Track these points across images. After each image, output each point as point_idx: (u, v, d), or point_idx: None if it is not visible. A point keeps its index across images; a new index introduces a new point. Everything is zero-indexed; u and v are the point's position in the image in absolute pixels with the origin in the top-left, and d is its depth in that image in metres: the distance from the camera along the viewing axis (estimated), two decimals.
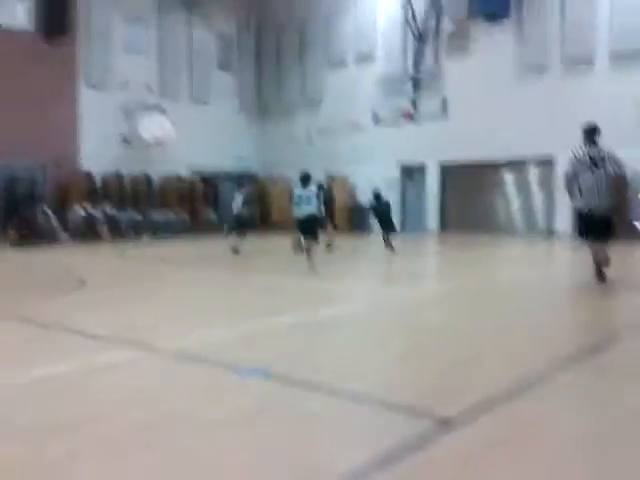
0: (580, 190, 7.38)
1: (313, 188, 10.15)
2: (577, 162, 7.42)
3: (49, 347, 4.80)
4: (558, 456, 2.60)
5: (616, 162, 7.25)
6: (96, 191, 18.81)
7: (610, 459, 2.60)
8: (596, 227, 7.27)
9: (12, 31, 17.50)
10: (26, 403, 3.38)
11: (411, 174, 18.44)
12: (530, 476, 2.44)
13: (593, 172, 7.25)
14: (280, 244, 16.90)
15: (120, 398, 3.45)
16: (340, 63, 21.70)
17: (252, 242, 14.47)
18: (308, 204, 9.62)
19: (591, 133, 7.44)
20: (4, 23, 17.39)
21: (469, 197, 19.15)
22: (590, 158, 7.30)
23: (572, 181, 7.48)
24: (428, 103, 14.88)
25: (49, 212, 16.80)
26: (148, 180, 20.27)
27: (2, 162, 17.03)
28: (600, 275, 7.45)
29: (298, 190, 9.86)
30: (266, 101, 23.81)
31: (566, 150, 17.39)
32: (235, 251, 12.47)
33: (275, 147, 23.35)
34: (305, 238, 9.86)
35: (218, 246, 15.10)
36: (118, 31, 19.92)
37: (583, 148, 7.47)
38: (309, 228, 9.63)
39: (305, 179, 9.84)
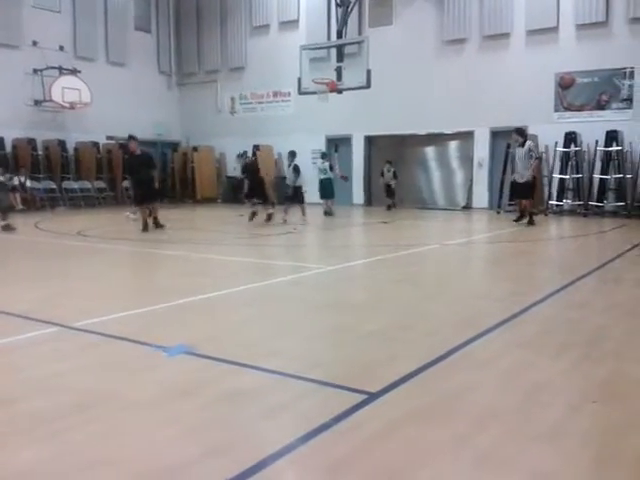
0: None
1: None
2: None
3: None
4: (472, 424, 2.76)
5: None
6: (6, 158, 17.76)
7: (516, 428, 2.79)
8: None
9: None
10: None
11: (337, 146, 18.47)
12: (441, 439, 2.58)
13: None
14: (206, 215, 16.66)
15: (41, 378, 3.35)
16: (264, 29, 21.30)
17: (174, 213, 14.12)
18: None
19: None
20: None
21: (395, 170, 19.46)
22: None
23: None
24: (352, 74, 14.85)
25: None
26: (63, 147, 19.29)
27: None
28: (530, 220, 12.28)
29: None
30: (187, 66, 23.10)
31: (484, 125, 18.06)
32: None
33: (197, 115, 22.77)
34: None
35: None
36: None
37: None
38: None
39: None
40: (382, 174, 17.51)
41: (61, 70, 18.65)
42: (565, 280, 6.29)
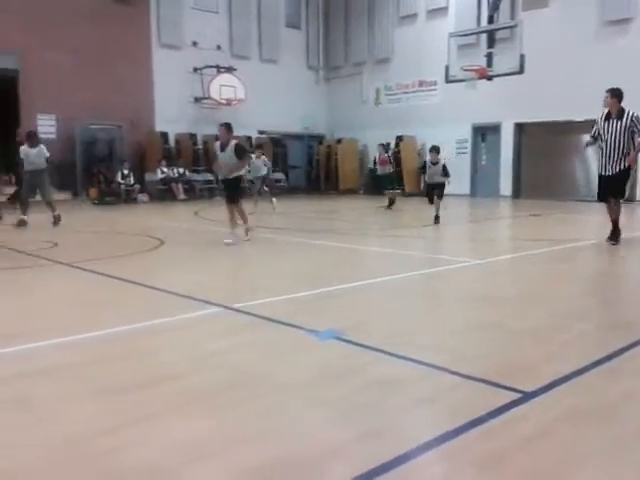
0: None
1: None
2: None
3: (132, 302, 5.07)
4: (636, 430, 2.57)
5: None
6: (170, 152, 19.31)
7: None
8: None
9: None
10: (105, 365, 3.61)
11: (484, 135, 17.89)
12: (601, 443, 2.43)
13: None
14: (347, 206, 16.95)
15: (203, 355, 3.63)
16: (411, 18, 21.09)
17: (321, 204, 14.52)
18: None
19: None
20: None
21: (547, 160, 18.42)
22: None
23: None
24: (504, 59, 14.25)
25: (128, 172, 17.44)
26: None
27: (82, 124, 17.70)
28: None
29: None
30: (334, 59, 23.54)
31: None
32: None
33: (342, 108, 23.14)
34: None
35: (292, 207, 15.29)
36: None
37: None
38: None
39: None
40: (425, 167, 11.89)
41: (218, 68, 19.89)
42: None
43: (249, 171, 13.20)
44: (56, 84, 17.14)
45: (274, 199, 14.11)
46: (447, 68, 15.29)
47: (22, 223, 10.70)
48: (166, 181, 18.07)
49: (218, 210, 15.38)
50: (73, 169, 17.76)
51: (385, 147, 16.30)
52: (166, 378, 3.26)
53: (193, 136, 19.93)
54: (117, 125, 18.43)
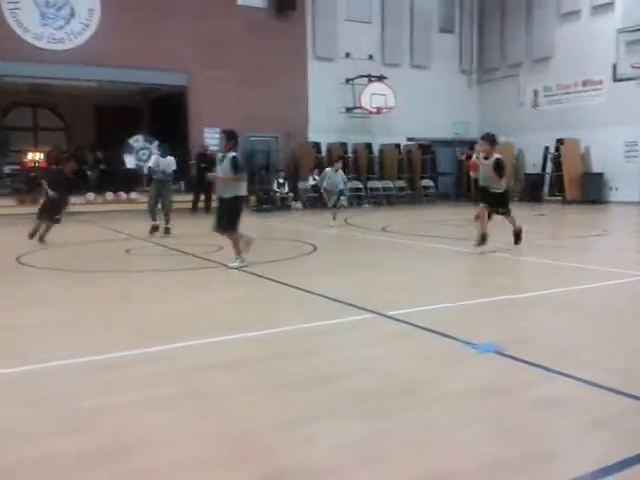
0: None
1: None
2: None
3: (290, 304, 5.30)
4: None
5: None
6: (322, 160, 19.90)
7: None
8: None
9: (248, 8, 19.08)
10: (280, 359, 3.80)
11: None
12: None
13: None
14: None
15: (360, 359, 3.70)
16: (573, 15, 19.84)
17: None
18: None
19: None
20: (241, 1, 19.04)
21: None
22: None
23: None
24: None
25: (283, 181, 18.26)
26: (369, 149, 20.86)
27: (243, 136, 18.83)
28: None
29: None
30: (489, 62, 22.83)
31: None
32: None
33: (497, 111, 22.34)
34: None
35: (439, 215, 15.09)
36: (342, 1, 20.49)
37: None
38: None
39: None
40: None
41: (370, 78, 20.16)
42: None
43: (324, 189, 12.97)
44: (220, 99, 18.43)
45: (337, 214, 12.89)
46: (615, 66, 14.20)
47: (167, 231, 10.68)
48: (317, 189, 18.63)
49: (367, 217, 15.60)
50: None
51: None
52: (329, 379, 3.37)
53: (343, 145, 20.37)
54: (274, 136, 19.37)
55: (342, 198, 13.12)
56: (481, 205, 8.59)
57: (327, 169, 13.30)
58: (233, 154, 7.14)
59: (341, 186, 13.01)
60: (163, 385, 3.31)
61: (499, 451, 2.50)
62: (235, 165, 7.05)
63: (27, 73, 16.77)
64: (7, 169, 20.40)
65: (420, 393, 3.16)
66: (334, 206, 12.90)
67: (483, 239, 8.26)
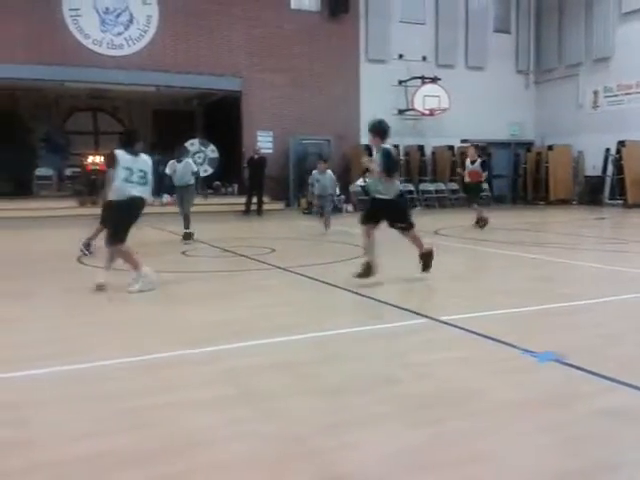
0: None
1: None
2: None
3: (343, 307, 5.28)
4: None
5: None
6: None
7: None
8: None
9: (301, 11, 19.22)
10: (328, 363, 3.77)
11: None
12: None
13: None
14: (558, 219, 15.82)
15: (418, 364, 3.63)
16: (636, 14, 19.12)
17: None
18: None
19: None
20: (295, 5, 19.20)
21: None
22: None
23: None
24: None
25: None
26: (421, 151, 20.63)
27: (295, 139, 18.96)
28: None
29: None
30: (546, 62, 22.26)
31: None
32: None
33: (554, 112, 21.74)
34: None
35: (493, 218, 14.76)
36: (396, 3, 20.38)
37: None
38: None
39: None
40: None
41: (423, 79, 19.95)
42: None
43: (316, 194, 11.70)
44: (273, 102, 18.62)
45: (329, 221, 11.69)
46: None
47: (187, 236, 10.21)
48: (366, 191, 18.55)
49: (419, 220, 15.38)
50: (286, 181, 19.08)
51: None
52: (383, 384, 3.33)
53: (395, 147, 20.19)
54: (326, 139, 19.40)
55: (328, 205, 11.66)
56: (364, 227, 6.30)
57: (314, 172, 11.81)
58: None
59: (331, 190, 11.73)
60: (216, 385, 3.33)
61: (567, 462, 2.40)
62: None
63: (87, 78, 17.33)
64: (68, 171, 21.18)
65: (479, 401, 3.08)
66: (321, 214, 11.67)
67: (368, 270, 6.09)
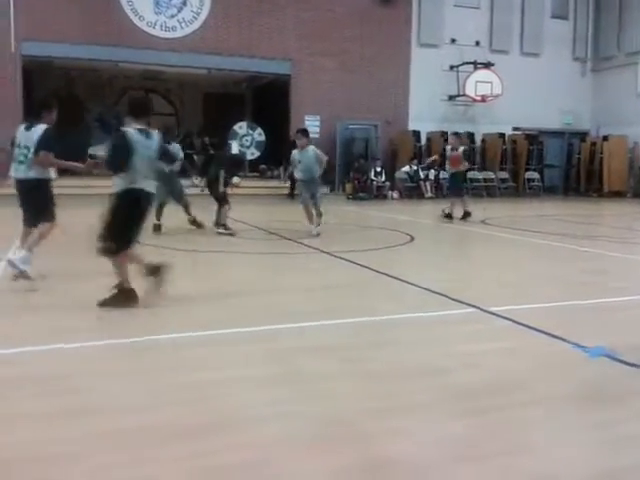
0: None
1: None
2: None
3: (389, 294, 5.26)
4: None
5: None
6: (420, 149, 19.56)
7: None
8: None
9: None
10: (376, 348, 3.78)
11: None
12: None
13: None
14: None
15: (465, 354, 3.61)
16: None
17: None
18: None
19: None
20: None
21: None
22: None
23: None
24: None
25: (380, 170, 18.15)
26: (471, 138, 20.23)
27: (342, 124, 18.88)
28: None
29: None
30: (605, 49, 21.46)
31: None
32: None
33: (612, 101, 20.99)
34: None
35: (543, 209, 14.45)
36: None
37: None
38: None
39: None
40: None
41: (476, 65, 19.52)
42: None
43: (291, 173, 9.68)
44: (322, 86, 18.54)
45: (321, 216, 9.06)
46: None
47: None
48: (414, 179, 18.37)
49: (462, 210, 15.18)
50: (332, 166, 19.04)
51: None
52: (428, 372, 3.32)
53: (444, 134, 19.88)
54: (373, 124, 19.24)
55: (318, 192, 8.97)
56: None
57: (293, 151, 9.08)
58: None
59: (316, 172, 8.82)
60: (265, 364, 3.39)
61: (617, 460, 2.36)
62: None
63: (140, 60, 17.63)
64: None
65: (527, 394, 3.04)
66: (305, 202, 8.92)
67: None
